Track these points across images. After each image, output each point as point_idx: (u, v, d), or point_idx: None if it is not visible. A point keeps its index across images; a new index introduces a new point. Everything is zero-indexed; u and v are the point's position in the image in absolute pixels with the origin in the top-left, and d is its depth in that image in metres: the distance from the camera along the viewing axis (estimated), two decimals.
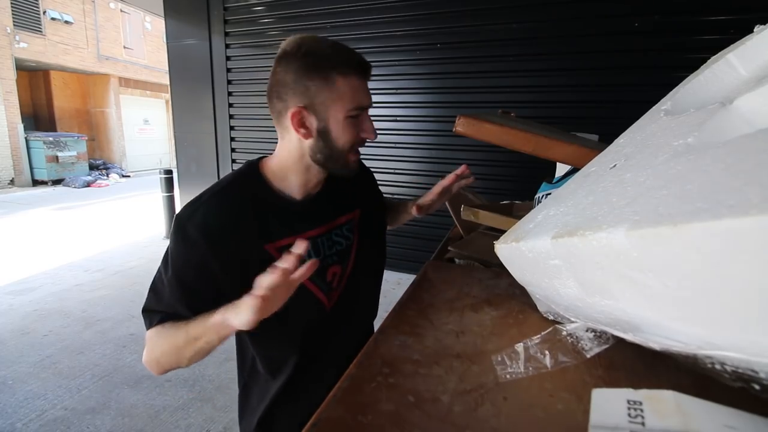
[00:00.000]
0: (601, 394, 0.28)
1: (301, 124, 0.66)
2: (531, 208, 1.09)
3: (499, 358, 0.36)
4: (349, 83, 0.65)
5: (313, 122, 0.66)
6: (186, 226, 0.65)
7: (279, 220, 0.70)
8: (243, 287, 0.55)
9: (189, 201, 0.69)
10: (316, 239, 0.73)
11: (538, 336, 0.36)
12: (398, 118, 3.36)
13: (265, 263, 0.59)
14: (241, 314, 0.52)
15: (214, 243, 0.64)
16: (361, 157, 0.75)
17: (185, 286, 0.65)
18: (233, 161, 4.25)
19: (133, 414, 1.88)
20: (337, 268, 0.76)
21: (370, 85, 0.68)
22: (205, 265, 0.65)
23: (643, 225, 0.26)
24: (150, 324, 0.67)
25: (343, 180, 0.76)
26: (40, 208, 6.61)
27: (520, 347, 0.36)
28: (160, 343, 0.65)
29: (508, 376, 0.34)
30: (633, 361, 0.38)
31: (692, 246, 0.22)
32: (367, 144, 0.71)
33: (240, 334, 0.76)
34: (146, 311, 0.69)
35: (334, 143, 0.67)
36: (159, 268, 0.69)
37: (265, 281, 0.51)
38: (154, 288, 0.69)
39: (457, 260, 0.82)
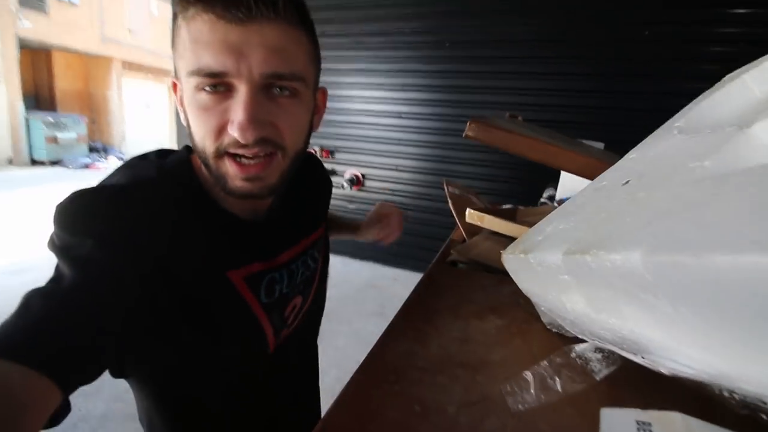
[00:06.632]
0: (610, 413, 0.28)
1: (180, 101, 0.43)
2: (535, 213, 1.09)
3: (508, 388, 0.35)
4: (189, 26, 0.36)
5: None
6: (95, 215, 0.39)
7: (231, 240, 0.47)
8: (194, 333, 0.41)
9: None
10: (290, 265, 0.54)
11: (546, 360, 0.36)
12: (402, 115, 3.34)
13: (224, 297, 0.44)
14: None
15: (140, 250, 0.39)
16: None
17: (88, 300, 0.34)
18: None
19: (126, 399, 1.88)
20: (298, 300, 0.57)
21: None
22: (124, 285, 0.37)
23: (661, 251, 0.26)
24: None
25: (308, 184, 0.58)
26: (38, 187, 6.58)
27: (528, 375, 0.36)
28: None
29: (520, 407, 0.33)
30: (640, 381, 0.38)
31: (712, 277, 0.22)
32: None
33: (146, 368, 0.49)
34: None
35: (192, 136, 0.41)
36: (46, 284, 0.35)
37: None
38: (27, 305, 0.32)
39: (459, 264, 0.82)
